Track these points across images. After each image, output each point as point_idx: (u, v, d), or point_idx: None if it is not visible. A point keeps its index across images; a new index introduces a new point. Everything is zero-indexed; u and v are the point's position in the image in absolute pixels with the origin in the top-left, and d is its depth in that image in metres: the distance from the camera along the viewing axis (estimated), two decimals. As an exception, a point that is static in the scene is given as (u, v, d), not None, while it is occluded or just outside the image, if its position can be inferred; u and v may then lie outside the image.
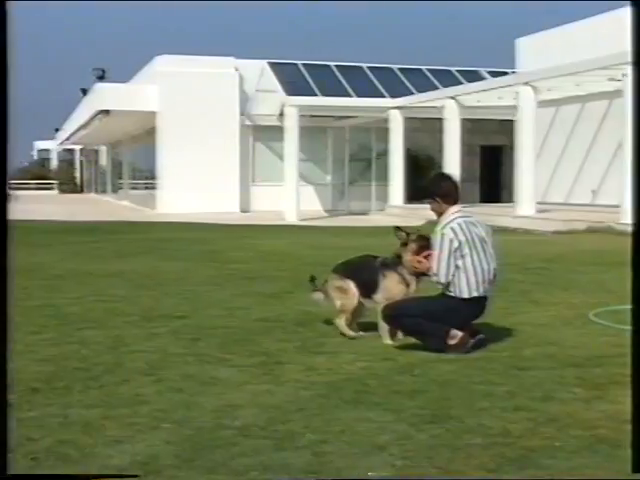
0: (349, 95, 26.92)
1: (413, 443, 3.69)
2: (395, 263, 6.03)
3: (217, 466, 3.43)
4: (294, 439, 3.77)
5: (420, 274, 5.92)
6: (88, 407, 4.30)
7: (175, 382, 4.85)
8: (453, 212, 5.70)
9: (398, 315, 5.70)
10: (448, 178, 5.97)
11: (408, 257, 5.92)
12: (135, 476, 3.29)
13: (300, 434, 3.84)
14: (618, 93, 18.72)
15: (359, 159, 30.62)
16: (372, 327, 6.14)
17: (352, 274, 6.24)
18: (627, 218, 16.91)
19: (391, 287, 6.01)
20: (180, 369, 5.18)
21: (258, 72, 28.44)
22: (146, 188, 34.10)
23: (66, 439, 3.77)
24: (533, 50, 26.60)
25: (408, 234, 6.01)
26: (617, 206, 17.71)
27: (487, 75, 29.53)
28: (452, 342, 5.52)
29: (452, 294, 5.63)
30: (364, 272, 6.18)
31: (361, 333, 6.22)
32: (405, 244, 5.98)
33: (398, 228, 6.10)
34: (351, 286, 6.21)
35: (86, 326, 6.64)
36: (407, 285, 5.98)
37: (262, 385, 4.78)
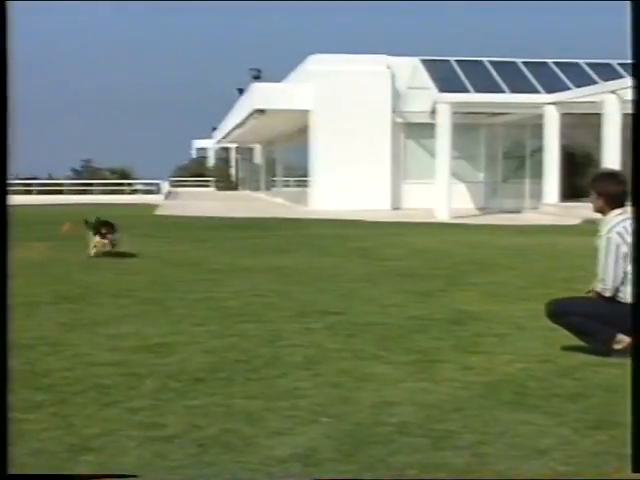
0: (503, 91, 26.39)
1: (577, 449, 3.58)
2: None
3: (376, 462, 3.45)
4: (452, 439, 3.74)
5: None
6: (249, 398, 4.43)
7: (332, 377, 4.91)
8: (617, 214, 5.40)
9: (564, 313, 5.52)
10: (617, 179, 5.52)
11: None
12: (134, 476, 3.31)
13: (458, 434, 3.80)
14: None
15: (512, 156, 29.96)
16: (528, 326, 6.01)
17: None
18: None
19: None
20: (336, 364, 5.24)
21: (410, 69, 28.37)
22: (298, 186, 34.76)
23: (230, 428, 3.90)
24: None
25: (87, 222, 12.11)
26: None
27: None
28: (618, 347, 5.29)
29: (620, 299, 5.37)
30: None
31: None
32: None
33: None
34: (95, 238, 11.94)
35: (245, 319, 6.84)
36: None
37: (418, 383, 4.77)
